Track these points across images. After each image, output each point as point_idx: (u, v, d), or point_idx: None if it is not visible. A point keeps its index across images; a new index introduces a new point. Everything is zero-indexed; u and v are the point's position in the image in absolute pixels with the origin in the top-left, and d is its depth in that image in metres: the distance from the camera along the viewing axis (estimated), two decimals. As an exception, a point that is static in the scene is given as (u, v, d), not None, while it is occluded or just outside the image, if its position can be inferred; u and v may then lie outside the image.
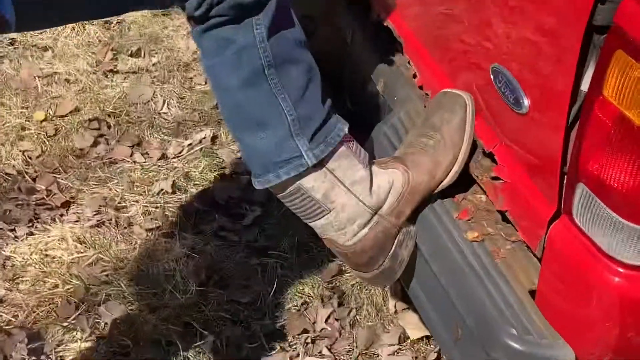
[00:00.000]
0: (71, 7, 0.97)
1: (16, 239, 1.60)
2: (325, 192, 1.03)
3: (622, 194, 0.77)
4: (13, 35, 2.13)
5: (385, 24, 1.34)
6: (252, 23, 0.95)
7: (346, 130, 1.05)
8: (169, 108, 2.01)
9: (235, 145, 1.83)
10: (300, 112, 1.00)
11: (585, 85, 0.82)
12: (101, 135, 1.90)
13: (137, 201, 1.71)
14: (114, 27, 2.31)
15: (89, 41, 2.23)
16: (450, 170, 1.07)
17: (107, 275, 1.53)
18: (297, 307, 1.50)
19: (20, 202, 1.68)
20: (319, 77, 1.04)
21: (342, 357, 1.42)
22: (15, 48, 2.20)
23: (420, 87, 1.23)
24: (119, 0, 1.02)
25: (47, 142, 1.85)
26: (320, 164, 1.02)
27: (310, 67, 1.02)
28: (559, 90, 0.85)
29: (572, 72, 0.81)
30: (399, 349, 1.42)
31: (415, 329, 1.43)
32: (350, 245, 1.07)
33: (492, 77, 0.97)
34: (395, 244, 1.08)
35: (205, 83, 2.07)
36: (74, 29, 2.24)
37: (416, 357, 1.41)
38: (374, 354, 1.42)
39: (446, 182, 1.08)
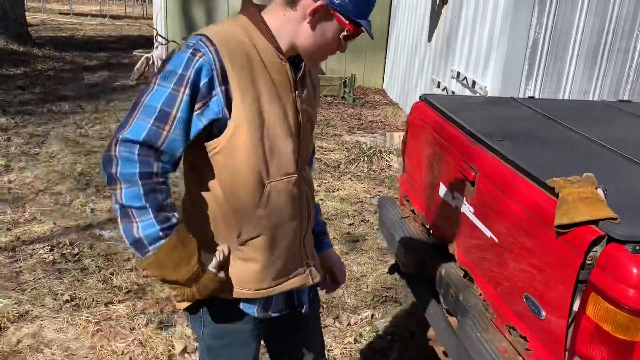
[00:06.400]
0: None
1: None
2: None
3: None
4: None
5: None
6: None
7: None
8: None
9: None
10: None
11: (576, 307, 1.60)
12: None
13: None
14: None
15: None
16: None
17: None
18: None
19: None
20: None
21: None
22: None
23: (484, 300, 2.04)
24: None
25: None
26: None
27: None
28: (561, 308, 1.63)
29: (568, 301, 1.59)
30: None
31: None
32: None
33: (524, 300, 1.77)
34: None
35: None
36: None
37: None
38: None
39: None
